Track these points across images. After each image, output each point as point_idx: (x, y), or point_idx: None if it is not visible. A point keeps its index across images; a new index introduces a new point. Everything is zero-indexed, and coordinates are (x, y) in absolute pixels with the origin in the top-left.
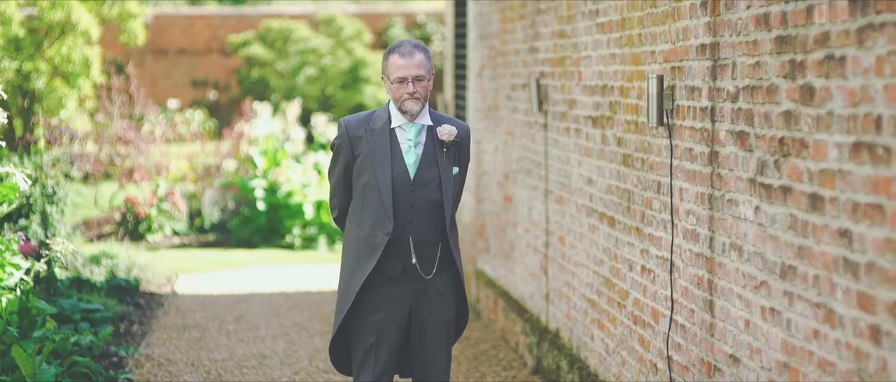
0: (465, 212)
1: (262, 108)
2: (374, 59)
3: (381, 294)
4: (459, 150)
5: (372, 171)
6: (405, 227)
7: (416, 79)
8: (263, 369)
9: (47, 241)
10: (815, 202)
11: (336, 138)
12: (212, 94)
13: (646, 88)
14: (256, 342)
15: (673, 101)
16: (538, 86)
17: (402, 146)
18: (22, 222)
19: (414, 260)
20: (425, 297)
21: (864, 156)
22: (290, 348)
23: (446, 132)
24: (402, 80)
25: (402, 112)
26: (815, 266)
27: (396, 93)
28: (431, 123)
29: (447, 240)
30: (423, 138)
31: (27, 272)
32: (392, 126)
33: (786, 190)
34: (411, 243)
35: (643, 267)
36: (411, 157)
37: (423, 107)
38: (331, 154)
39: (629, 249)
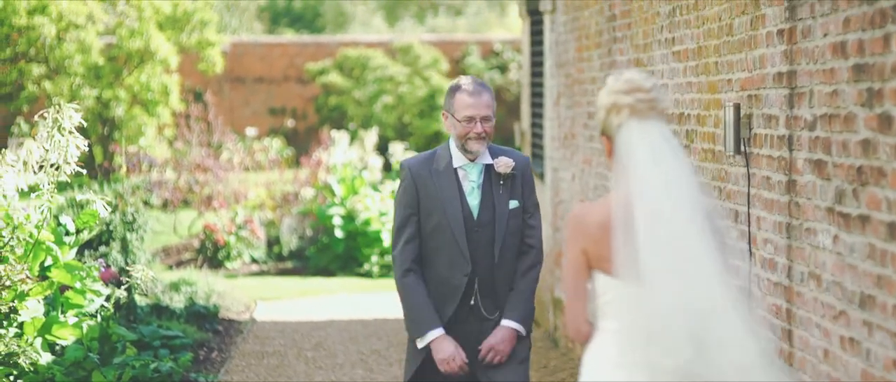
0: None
1: (340, 136)
2: None
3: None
4: (522, 182)
5: (442, 212)
6: (473, 267)
7: (484, 118)
8: None
9: (127, 268)
10: (894, 231)
11: (400, 181)
12: (289, 122)
13: (723, 117)
14: (335, 369)
15: (750, 130)
16: None
17: (464, 187)
18: (102, 249)
19: (473, 301)
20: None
21: None
22: (369, 375)
23: (503, 164)
24: (471, 119)
25: (466, 151)
26: (894, 295)
27: (462, 131)
28: (491, 161)
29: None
30: (483, 179)
31: (108, 298)
32: (454, 166)
33: (864, 218)
34: (476, 283)
35: None
36: (474, 199)
37: (486, 147)
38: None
39: None
